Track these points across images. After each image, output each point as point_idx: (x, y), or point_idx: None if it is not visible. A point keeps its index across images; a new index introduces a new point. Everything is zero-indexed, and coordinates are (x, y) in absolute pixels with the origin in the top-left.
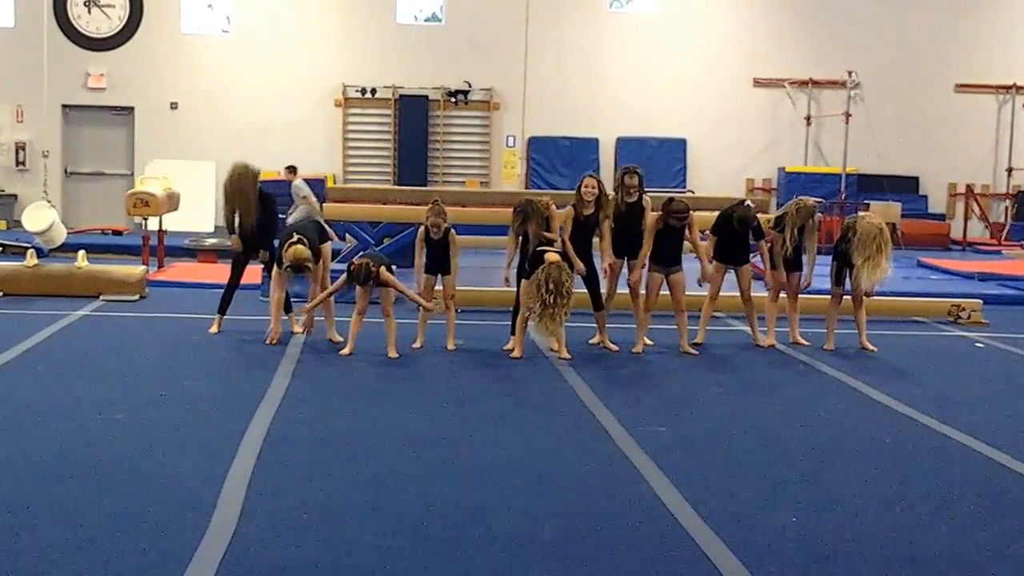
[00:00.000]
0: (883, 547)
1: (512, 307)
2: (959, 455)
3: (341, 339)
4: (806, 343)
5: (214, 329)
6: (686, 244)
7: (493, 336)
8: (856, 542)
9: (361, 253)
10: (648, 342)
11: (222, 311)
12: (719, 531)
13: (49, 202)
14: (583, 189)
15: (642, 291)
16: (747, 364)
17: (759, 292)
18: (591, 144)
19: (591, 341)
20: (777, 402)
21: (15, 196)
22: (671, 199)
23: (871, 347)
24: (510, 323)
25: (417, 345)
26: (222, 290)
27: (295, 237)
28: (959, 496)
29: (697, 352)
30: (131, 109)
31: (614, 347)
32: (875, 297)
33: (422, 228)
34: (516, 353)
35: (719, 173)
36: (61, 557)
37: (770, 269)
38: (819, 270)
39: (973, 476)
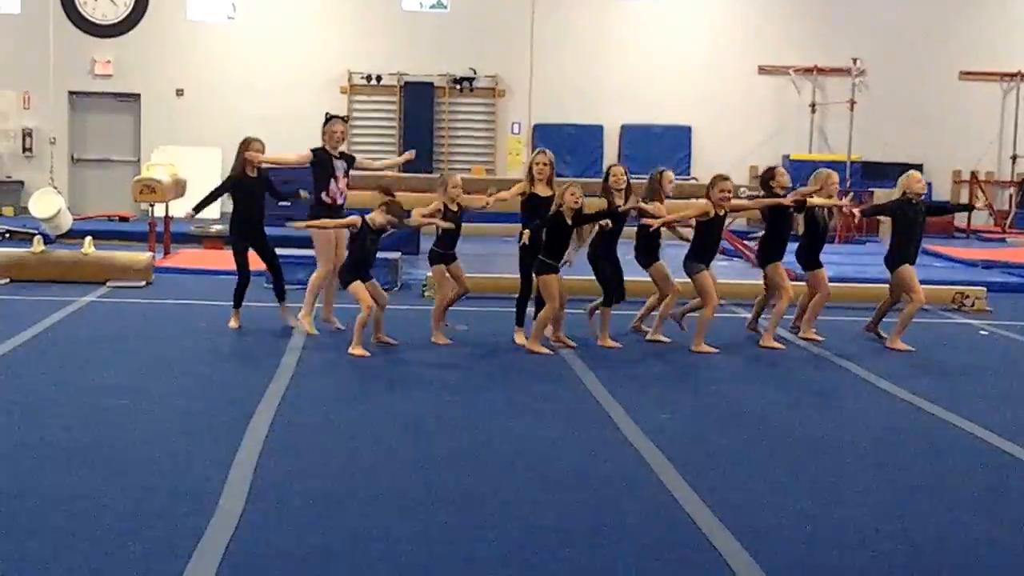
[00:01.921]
0: (889, 536)
1: (518, 296)
2: (966, 443)
3: (341, 326)
4: (815, 335)
5: (233, 324)
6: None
7: (499, 323)
8: (861, 531)
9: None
10: (665, 340)
11: (237, 305)
12: (724, 518)
13: (55, 188)
14: (611, 179)
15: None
16: (755, 353)
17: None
18: (596, 131)
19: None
20: (784, 391)
21: (22, 182)
22: (772, 168)
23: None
24: (515, 311)
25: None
26: (224, 275)
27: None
28: (965, 485)
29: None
30: (137, 96)
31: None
32: (880, 285)
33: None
34: (534, 347)
35: (724, 161)
36: (66, 542)
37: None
38: (851, 259)
39: (979, 465)
